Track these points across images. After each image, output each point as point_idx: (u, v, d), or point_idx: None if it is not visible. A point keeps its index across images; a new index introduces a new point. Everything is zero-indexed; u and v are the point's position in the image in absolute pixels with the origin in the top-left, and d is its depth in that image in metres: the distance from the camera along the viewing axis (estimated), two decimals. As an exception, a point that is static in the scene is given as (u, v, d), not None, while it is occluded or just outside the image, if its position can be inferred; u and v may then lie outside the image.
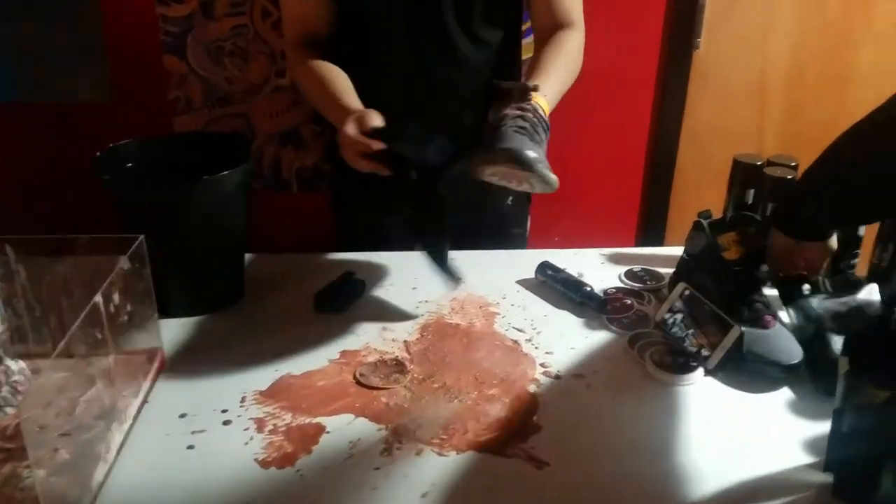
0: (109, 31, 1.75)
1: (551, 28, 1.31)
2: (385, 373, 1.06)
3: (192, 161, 1.23)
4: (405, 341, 1.15)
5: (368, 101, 1.21)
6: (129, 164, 1.23)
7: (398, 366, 1.08)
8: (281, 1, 1.36)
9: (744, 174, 1.30)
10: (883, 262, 1.16)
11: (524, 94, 1.08)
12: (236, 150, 1.23)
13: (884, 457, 0.81)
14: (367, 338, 1.16)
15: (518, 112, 1.07)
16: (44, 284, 1.05)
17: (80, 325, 0.86)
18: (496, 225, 1.52)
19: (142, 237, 1.00)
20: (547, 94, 1.14)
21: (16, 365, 0.98)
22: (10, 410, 0.96)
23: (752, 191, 1.30)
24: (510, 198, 1.49)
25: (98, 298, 0.87)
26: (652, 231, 2.00)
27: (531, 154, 0.99)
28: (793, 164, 1.29)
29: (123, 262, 0.95)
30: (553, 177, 1.00)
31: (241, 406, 1.00)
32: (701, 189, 1.95)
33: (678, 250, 1.36)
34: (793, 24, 1.94)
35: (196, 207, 1.15)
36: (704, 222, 1.19)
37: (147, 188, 1.16)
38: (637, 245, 1.50)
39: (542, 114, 1.08)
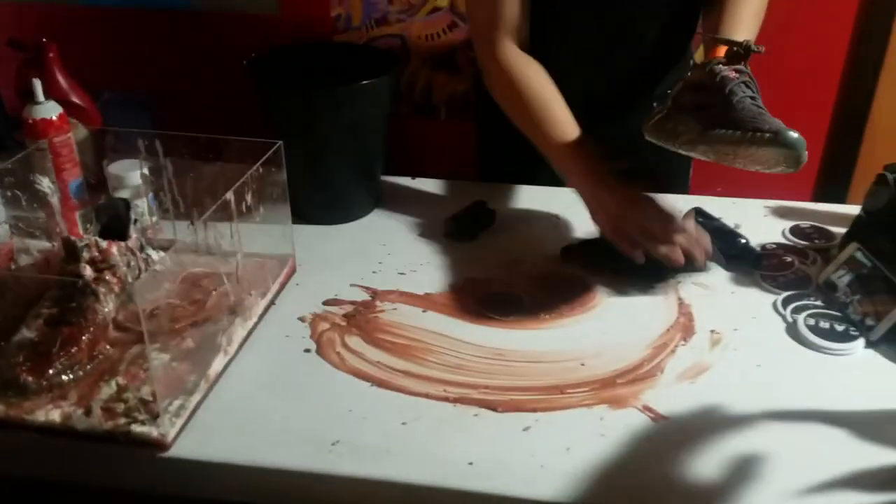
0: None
1: None
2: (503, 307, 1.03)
3: (345, 72, 1.23)
4: (528, 275, 1.10)
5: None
6: (284, 70, 1.25)
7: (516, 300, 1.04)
8: (478, 3, 1.16)
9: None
10: None
11: (747, 54, 0.97)
12: (388, 65, 1.22)
13: None
14: (494, 270, 1.12)
15: (739, 77, 0.95)
16: (188, 181, 1.09)
17: (217, 223, 0.89)
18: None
19: (279, 143, 1.01)
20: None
21: (156, 255, 1.03)
22: (149, 296, 1.01)
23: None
24: None
25: (229, 196, 0.88)
26: (833, 187, 1.80)
27: (795, 135, 0.88)
28: None
29: (257, 167, 0.96)
30: (805, 157, 0.89)
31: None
32: (896, 147, 1.73)
33: (855, 209, 1.20)
34: None
35: (337, 114, 1.14)
36: (890, 176, 1.04)
37: (289, 91, 1.17)
38: (813, 201, 1.34)
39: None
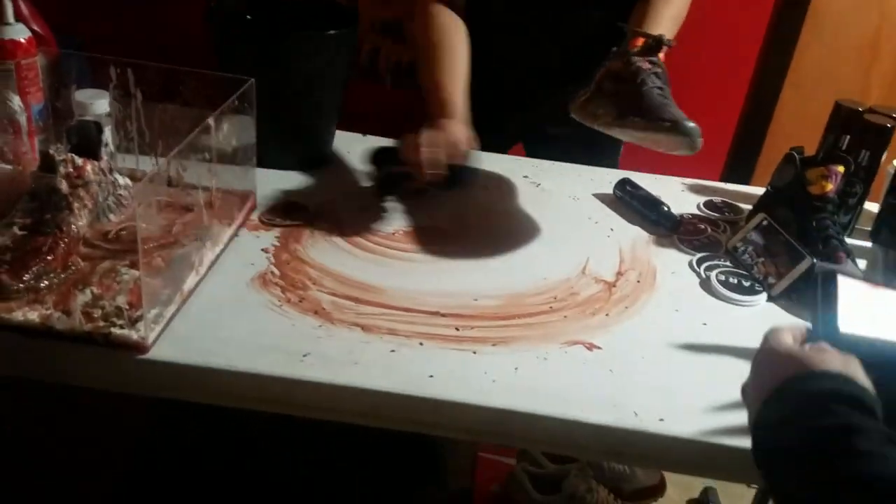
0: None
1: None
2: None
3: (299, 24, 1.28)
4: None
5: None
6: (243, 20, 1.28)
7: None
8: None
9: (844, 118, 1.28)
10: None
11: (659, 47, 1.09)
12: (344, 19, 1.27)
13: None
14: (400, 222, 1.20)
15: (652, 68, 1.07)
16: (155, 113, 1.12)
17: (188, 153, 0.93)
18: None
19: (252, 80, 1.05)
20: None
21: (122, 180, 1.06)
22: (112, 218, 1.04)
23: (847, 137, 1.28)
24: None
25: (211, 121, 0.93)
26: (740, 170, 1.98)
27: (692, 125, 1.01)
28: (894, 114, 1.26)
29: (233, 99, 1.01)
30: (700, 143, 1.03)
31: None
32: (798, 136, 1.91)
33: (761, 190, 1.36)
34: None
35: (299, 62, 1.19)
36: (797, 155, 1.18)
37: (253, 37, 1.21)
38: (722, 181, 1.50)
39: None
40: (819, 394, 0.65)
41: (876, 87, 1.93)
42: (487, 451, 1.78)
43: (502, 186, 1.33)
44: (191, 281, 0.94)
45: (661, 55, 1.12)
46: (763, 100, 1.93)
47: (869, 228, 1.33)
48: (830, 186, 1.13)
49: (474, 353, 0.91)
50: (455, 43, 1.25)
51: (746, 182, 2.03)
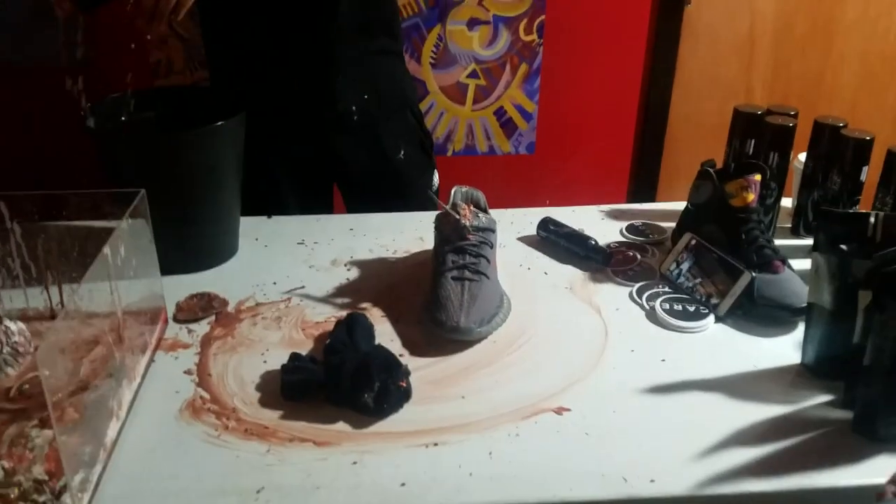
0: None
1: None
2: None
3: (182, 117, 1.20)
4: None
5: None
6: (122, 119, 1.19)
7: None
8: None
9: (744, 124, 1.30)
10: (886, 206, 1.17)
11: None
12: (229, 104, 1.19)
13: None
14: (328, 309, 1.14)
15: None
16: (39, 243, 1.01)
17: (72, 283, 0.83)
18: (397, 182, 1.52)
19: (142, 191, 0.96)
20: None
21: (15, 326, 0.94)
22: (10, 371, 0.92)
23: (752, 140, 1.30)
24: (401, 152, 1.50)
25: (107, 250, 0.83)
26: (643, 189, 2.01)
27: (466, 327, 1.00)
28: (792, 112, 1.29)
29: (127, 217, 0.92)
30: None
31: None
32: (692, 146, 1.96)
33: (676, 205, 1.36)
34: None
35: (191, 160, 1.11)
36: (712, 171, 1.18)
37: (142, 139, 1.12)
38: (628, 202, 1.50)
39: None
40: None
41: (758, 86, 2.00)
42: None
43: (419, 250, 1.28)
44: (112, 429, 0.84)
45: None
46: (655, 114, 1.97)
47: (789, 225, 1.36)
48: (752, 196, 1.14)
49: (436, 444, 0.84)
50: None
51: (652, 197, 2.07)
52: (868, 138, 1.20)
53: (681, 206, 1.33)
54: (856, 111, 1.47)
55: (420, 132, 1.55)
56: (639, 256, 1.25)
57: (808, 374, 0.97)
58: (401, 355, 0.97)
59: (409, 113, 1.53)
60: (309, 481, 0.79)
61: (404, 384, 0.90)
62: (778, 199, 1.31)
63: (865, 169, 1.21)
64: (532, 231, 1.33)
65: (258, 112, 1.20)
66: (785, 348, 1.02)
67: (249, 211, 1.30)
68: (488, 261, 1.10)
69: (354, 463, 0.81)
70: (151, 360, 0.98)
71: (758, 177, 1.14)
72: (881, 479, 0.79)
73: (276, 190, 1.46)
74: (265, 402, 0.90)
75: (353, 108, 1.43)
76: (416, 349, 1.01)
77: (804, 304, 1.04)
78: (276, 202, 1.43)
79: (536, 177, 1.85)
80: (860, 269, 0.88)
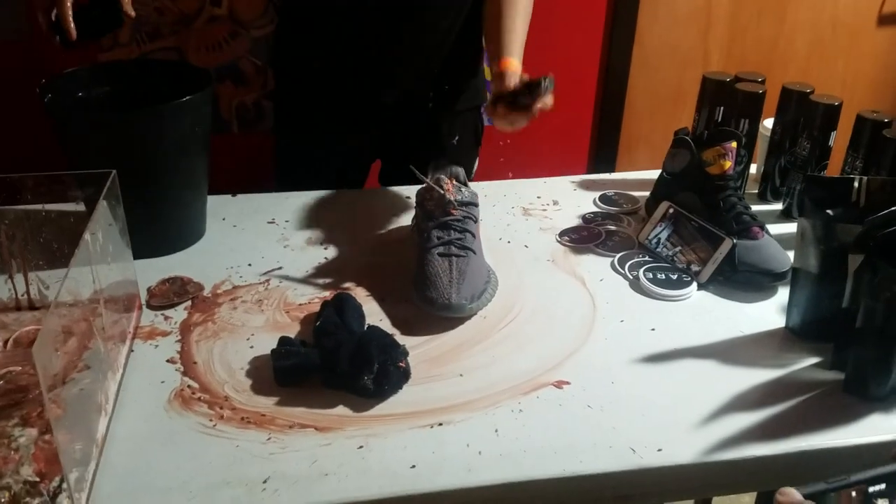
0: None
1: None
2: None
3: (139, 93, 1.14)
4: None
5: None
6: (79, 95, 1.12)
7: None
8: None
9: (714, 91, 1.31)
10: (855, 171, 1.20)
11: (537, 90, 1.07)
12: (187, 79, 1.13)
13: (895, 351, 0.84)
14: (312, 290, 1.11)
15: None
16: (1, 231, 0.94)
17: (40, 271, 0.78)
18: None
19: (114, 172, 0.91)
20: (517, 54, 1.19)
21: (-19, 318, 0.88)
22: (-18, 367, 0.86)
23: (721, 108, 1.31)
24: (456, 137, 1.46)
25: (87, 236, 0.78)
26: (603, 158, 2.01)
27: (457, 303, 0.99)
28: (760, 79, 1.30)
29: (101, 199, 0.86)
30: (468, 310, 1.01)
31: (238, 348, 0.94)
32: (650, 115, 1.97)
33: (646, 174, 1.37)
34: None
35: (158, 137, 1.06)
36: (688, 138, 1.19)
37: (102, 122, 1.06)
38: (587, 173, 1.50)
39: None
40: None
41: (715, 52, 2.02)
42: None
43: (395, 226, 1.25)
44: (102, 424, 0.79)
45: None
46: (614, 83, 1.97)
47: (755, 191, 1.38)
48: (729, 164, 1.15)
49: (440, 424, 0.83)
50: None
51: (612, 166, 2.08)
52: (836, 104, 1.22)
53: (649, 174, 1.34)
54: (808, 77, 1.50)
55: (478, 121, 1.50)
56: (615, 227, 1.26)
57: (794, 337, 0.99)
58: (392, 335, 0.95)
59: (477, 97, 1.48)
60: (316, 468, 0.76)
61: (403, 364, 0.88)
62: (747, 166, 1.33)
63: (833, 134, 1.24)
64: (508, 204, 1.32)
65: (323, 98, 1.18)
66: (768, 312, 1.04)
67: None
68: (473, 235, 1.08)
69: (360, 447, 0.79)
70: (131, 350, 0.93)
71: (734, 144, 1.15)
72: (877, 438, 0.82)
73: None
74: (258, 389, 0.87)
75: (431, 93, 1.38)
76: (407, 328, 0.99)
77: (785, 269, 1.07)
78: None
79: (498, 149, 1.83)
80: (846, 233, 0.90)
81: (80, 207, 0.95)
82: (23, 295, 0.99)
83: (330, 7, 1.28)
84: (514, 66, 1.17)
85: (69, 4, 1.00)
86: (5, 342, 0.93)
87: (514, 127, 1.12)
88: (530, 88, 1.07)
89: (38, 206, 0.97)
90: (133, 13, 1.06)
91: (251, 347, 0.94)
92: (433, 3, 1.29)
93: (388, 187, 1.37)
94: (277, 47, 1.44)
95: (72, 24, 1.01)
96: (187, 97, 1.06)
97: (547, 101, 1.08)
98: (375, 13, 1.27)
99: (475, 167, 1.54)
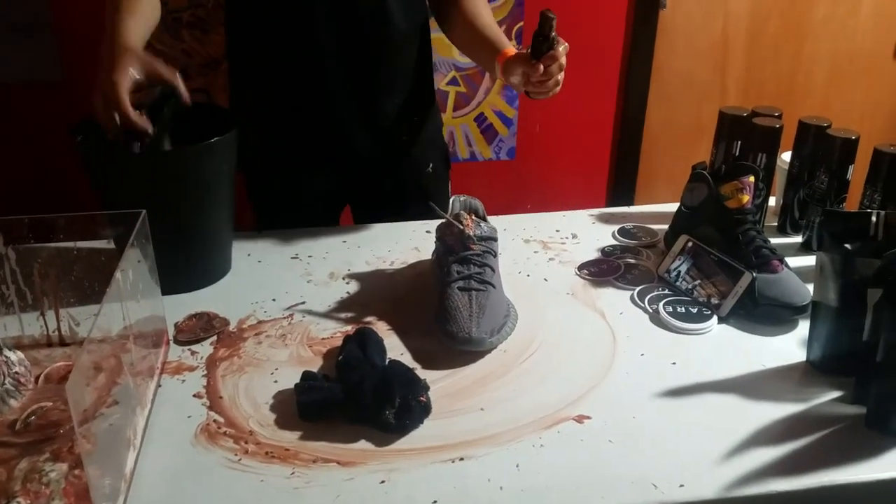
0: (57, 5, 1.64)
1: None
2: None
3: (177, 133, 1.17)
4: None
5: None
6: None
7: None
8: None
9: (731, 126, 1.32)
10: (874, 204, 1.20)
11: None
12: (214, 120, 1.17)
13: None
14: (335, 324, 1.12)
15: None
16: (35, 269, 0.97)
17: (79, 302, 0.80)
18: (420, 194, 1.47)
19: (144, 212, 0.94)
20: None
21: (15, 355, 0.91)
22: (13, 403, 0.89)
23: (738, 142, 1.32)
24: (430, 165, 1.49)
25: (118, 274, 0.81)
26: (622, 191, 2.03)
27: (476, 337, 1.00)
28: (777, 114, 1.32)
29: (133, 238, 0.89)
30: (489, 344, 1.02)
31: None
32: (668, 148, 1.98)
33: (665, 207, 1.38)
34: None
35: (188, 178, 1.09)
36: (706, 173, 1.20)
37: (138, 159, 1.09)
38: (606, 206, 1.52)
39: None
40: None
41: (732, 86, 2.04)
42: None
43: (415, 260, 1.27)
44: (130, 459, 0.81)
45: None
46: (632, 116, 1.99)
47: (774, 224, 1.38)
48: (747, 198, 1.16)
49: (461, 459, 0.83)
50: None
51: (631, 198, 2.09)
52: (854, 138, 1.23)
53: (667, 207, 1.35)
54: (826, 110, 1.51)
55: (443, 142, 1.54)
56: (634, 260, 1.27)
57: (815, 370, 0.99)
58: (413, 369, 0.96)
59: (437, 120, 1.52)
60: (339, 503, 0.77)
61: (424, 399, 0.89)
62: (766, 199, 1.33)
63: (851, 167, 1.24)
64: (527, 237, 1.33)
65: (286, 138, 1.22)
66: (788, 346, 1.04)
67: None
68: (493, 270, 1.10)
69: (382, 482, 0.80)
70: (158, 385, 0.95)
71: (751, 178, 1.16)
72: (901, 473, 0.81)
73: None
74: (282, 423, 0.89)
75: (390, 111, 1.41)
76: (428, 362, 1.00)
77: (806, 302, 1.07)
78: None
79: (518, 182, 1.86)
80: (865, 267, 0.90)
81: (111, 245, 0.98)
82: (54, 331, 1.02)
83: (275, 57, 1.33)
84: (514, 50, 1.23)
85: (128, 107, 1.03)
86: (37, 378, 0.95)
87: (560, 77, 1.16)
88: (541, 28, 1.12)
89: (70, 244, 1.00)
90: (189, 101, 1.11)
91: (275, 382, 0.96)
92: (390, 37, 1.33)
93: (410, 221, 1.39)
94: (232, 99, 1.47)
95: (140, 122, 1.05)
96: (214, 139, 1.09)
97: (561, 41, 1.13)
98: (323, 62, 1.31)
99: (450, 193, 1.55)
